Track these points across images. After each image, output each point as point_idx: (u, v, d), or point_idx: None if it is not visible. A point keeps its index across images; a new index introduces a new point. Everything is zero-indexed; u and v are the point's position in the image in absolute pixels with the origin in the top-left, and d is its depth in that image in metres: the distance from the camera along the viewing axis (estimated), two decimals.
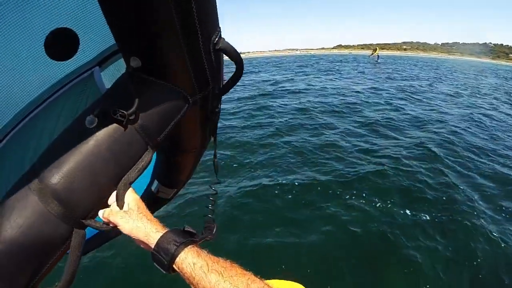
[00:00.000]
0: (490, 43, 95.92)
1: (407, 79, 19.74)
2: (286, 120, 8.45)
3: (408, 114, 9.39)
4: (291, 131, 7.51)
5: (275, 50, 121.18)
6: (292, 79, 19.30)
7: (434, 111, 9.88)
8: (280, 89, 14.47)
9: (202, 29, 0.65)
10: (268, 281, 0.61)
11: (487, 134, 7.76)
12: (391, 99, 11.80)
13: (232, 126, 8.08)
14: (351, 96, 12.34)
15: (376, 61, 36.64)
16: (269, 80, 18.49)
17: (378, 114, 9.23)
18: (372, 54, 38.64)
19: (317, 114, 9.14)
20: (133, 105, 0.66)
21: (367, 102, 11.07)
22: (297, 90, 13.93)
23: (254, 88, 15.35)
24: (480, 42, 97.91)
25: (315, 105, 10.34)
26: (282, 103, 10.93)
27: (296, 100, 11.33)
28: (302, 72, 24.42)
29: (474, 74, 28.45)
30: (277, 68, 30.44)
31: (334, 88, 14.46)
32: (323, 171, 5.32)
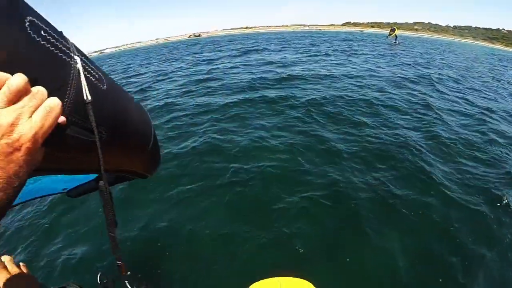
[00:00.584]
0: (504, 29, 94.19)
1: (433, 67, 17.01)
2: (281, 147, 5.97)
3: (449, 124, 7.17)
4: (281, 183, 4.65)
5: (282, 26, 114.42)
6: (301, 61, 16.73)
7: (485, 123, 7.61)
8: (285, 77, 12.03)
9: None
10: (277, 278, 0.66)
11: None
12: (423, 96, 9.48)
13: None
14: (374, 91, 9.95)
15: (394, 42, 33.38)
16: (274, 63, 16.00)
17: (413, 124, 7.02)
18: (390, 34, 35.14)
19: (331, 126, 6.91)
20: None
21: (395, 103, 8.71)
22: (310, 79, 11.53)
23: (254, 73, 13.03)
24: (493, 28, 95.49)
25: (329, 109, 8.01)
26: (283, 103, 8.63)
27: (302, 97, 9.04)
28: (313, 52, 21.61)
29: (497, 63, 25.58)
30: (284, 46, 27.43)
31: (352, 77, 12.01)
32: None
